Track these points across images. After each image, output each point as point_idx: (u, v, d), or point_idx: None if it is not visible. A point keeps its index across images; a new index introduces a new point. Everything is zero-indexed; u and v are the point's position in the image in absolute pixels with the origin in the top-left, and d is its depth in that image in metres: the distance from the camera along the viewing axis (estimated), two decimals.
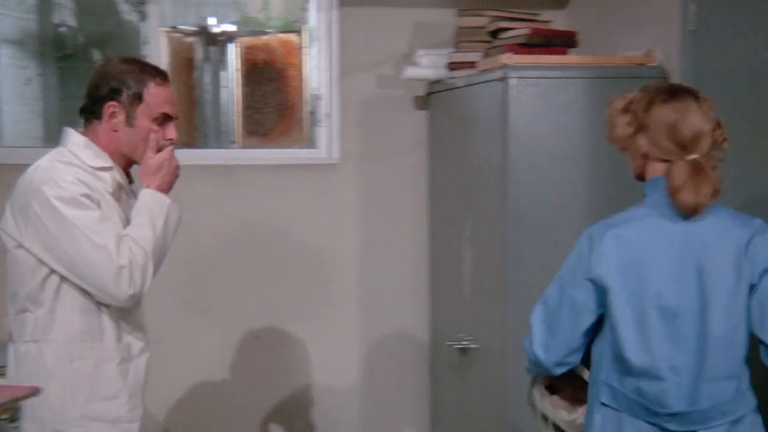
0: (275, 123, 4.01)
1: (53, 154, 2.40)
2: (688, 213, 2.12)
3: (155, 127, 2.39)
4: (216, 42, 3.94)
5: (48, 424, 2.32)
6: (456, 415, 3.63)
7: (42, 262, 2.31)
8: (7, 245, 2.37)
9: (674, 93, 2.19)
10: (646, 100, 2.19)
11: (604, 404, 2.19)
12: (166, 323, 3.61)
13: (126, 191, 2.46)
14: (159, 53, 3.72)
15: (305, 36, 3.90)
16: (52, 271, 2.32)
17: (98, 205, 2.32)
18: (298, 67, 3.94)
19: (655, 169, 2.19)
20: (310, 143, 3.92)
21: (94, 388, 2.35)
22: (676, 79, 3.08)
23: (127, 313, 2.39)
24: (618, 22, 3.44)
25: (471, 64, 3.44)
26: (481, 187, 3.32)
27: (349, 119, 3.82)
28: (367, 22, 3.78)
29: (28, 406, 2.33)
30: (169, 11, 3.95)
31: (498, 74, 3.12)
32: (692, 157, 2.13)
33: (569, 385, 2.34)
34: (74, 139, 2.40)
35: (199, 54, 3.93)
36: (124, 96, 2.36)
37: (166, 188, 2.42)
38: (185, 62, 3.85)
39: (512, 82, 3.07)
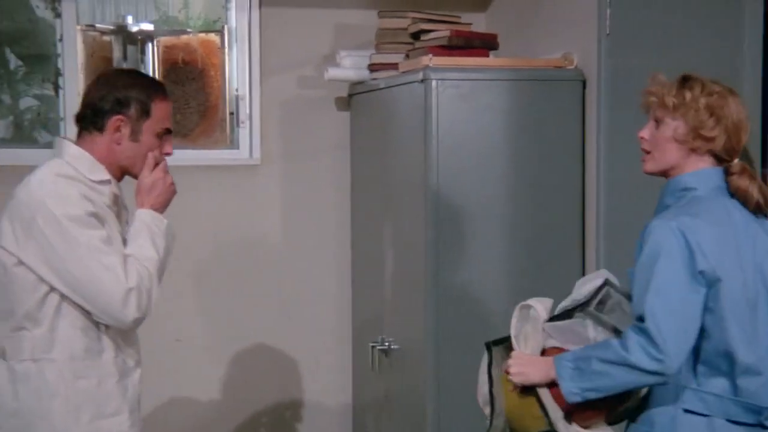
0: (196, 123, 3.97)
1: (52, 166, 2.31)
2: (756, 209, 2.11)
3: (157, 142, 2.36)
4: (134, 41, 3.88)
5: None
6: (378, 415, 3.64)
7: (42, 280, 2.24)
8: (5, 262, 2.27)
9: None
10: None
11: (689, 411, 2.07)
12: None
13: (121, 204, 2.41)
14: (74, 51, 3.65)
15: (226, 36, 3.87)
16: (52, 289, 2.24)
17: (103, 223, 2.26)
18: (219, 67, 3.90)
19: (701, 162, 2.12)
20: (232, 144, 3.89)
21: (98, 405, 2.30)
22: (592, 82, 3.14)
23: (122, 329, 2.33)
24: (537, 26, 3.50)
25: (393, 66, 3.45)
26: (403, 188, 3.34)
27: (271, 120, 3.80)
28: (288, 23, 3.77)
29: (26, 424, 2.28)
30: (86, 9, 3.88)
31: (419, 76, 3.14)
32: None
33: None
34: (71, 150, 2.33)
35: (116, 53, 3.87)
36: (132, 110, 2.32)
37: (161, 207, 2.39)
38: (102, 61, 3.78)
39: (433, 83, 3.09)
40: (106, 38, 3.85)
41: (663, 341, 1.96)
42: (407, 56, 3.45)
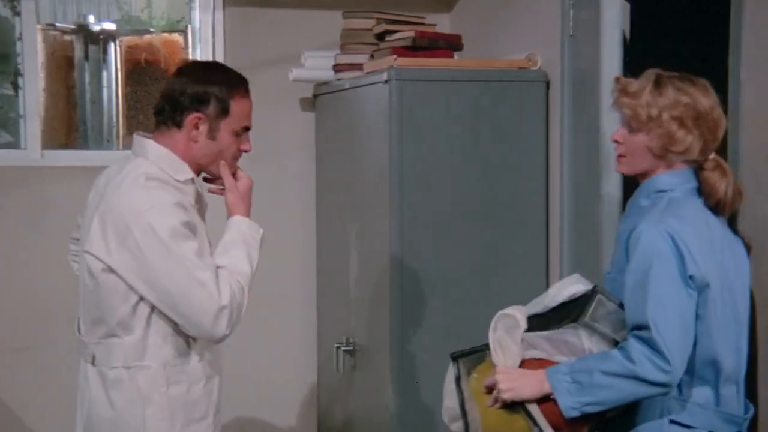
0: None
1: (140, 168, 2.23)
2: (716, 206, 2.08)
3: (235, 140, 2.29)
4: (96, 41, 3.84)
5: None
6: (343, 415, 3.63)
7: (132, 289, 2.19)
8: (92, 268, 2.22)
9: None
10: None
11: (674, 422, 2.02)
12: (45, 328, 3.51)
13: (203, 201, 2.36)
14: (34, 51, 3.61)
15: (190, 36, 3.84)
16: (143, 298, 2.20)
17: (195, 231, 2.20)
18: None
19: (676, 164, 2.09)
20: None
21: (188, 411, 2.28)
22: (555, 83, 3.16)
23: None
24: (501, 27, 3.51)
25: (357, 67, 3.44)
26: (368, 189, 3.33)
27: None
28: (252, 23, 3.75)
29: (114, 427, 2.26)
30: (46, 7, 3.84)
31: (384, 77, 3.14)
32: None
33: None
34: (155, 150, 2.26)
35: (78, 53, 3.83)
36: (211, 108, 2.24)
37: (249, 213, 2.34)
38: (63, 60, 3.74)
39: (398, 84, 3.09)
40: (67, 37, 3.82)
41: (669, 351, 1.89)
42: (372, 57, 3.45)
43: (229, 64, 3.71)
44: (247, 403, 3.83)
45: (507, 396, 2.00)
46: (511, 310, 2.09)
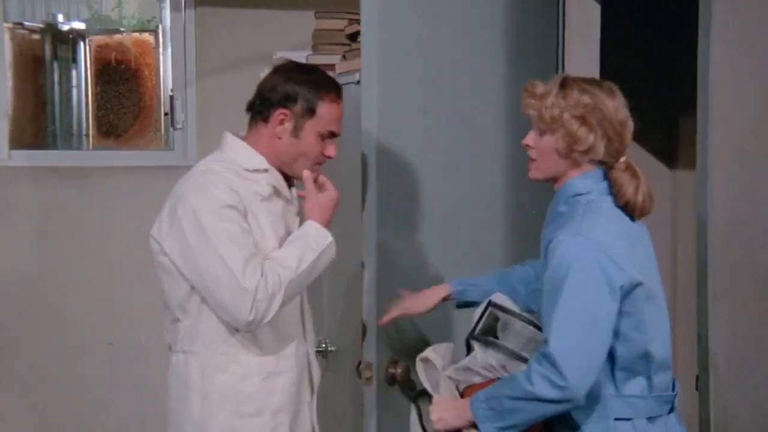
0: (130, 124, 3.91)
1: (207, 158, 2.34)
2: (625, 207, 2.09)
3: (319, 143, 2.33)
4: (65, 40, 3.81)
5: None
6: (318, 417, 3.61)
7: (180, 271, 2.24)
8: (153, 252, 2.29)
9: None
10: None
11: (619, 419, 2.04)
12: (10, 328, 3.51)
13: (285, 197, 2.36)
14: (1, 50, 3.57)
15: (161, 36, 3.82)
16: None
17: (244, 216, 2.22)
18: (154, 67, 3.85)
19: (587, 166, 2.10)
20: (167, 145, 3.84)
21: (237, 403, 2.24)
22: None
23: (273, 326, 2.25)
24: None
25: (329, 67, 3.42)
26: (341, 189, 3.32)
27: (207, 121, 3.76)
28: (224, 23, 3.74)
29: (174, 417, 2.30)
30: (14, 6, 3.80)
31: (356, 77, 3.12)
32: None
33: None
34: (232, 143, 2.34)
35: (47, 52, 3.80)
36: (298, 106, 2.30)
37: (328, 224, 2.36)
38: (32, 60, 3.71)
39: None
40: (35, 36, 3.78)
41: (566, 367, 1.91)
42: (344, 57, 3.44)
43: (200, 64, 3.75)
44: None
45: (438, 426, 2.09)
46: (428, 353, 2.23)
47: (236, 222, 2.20)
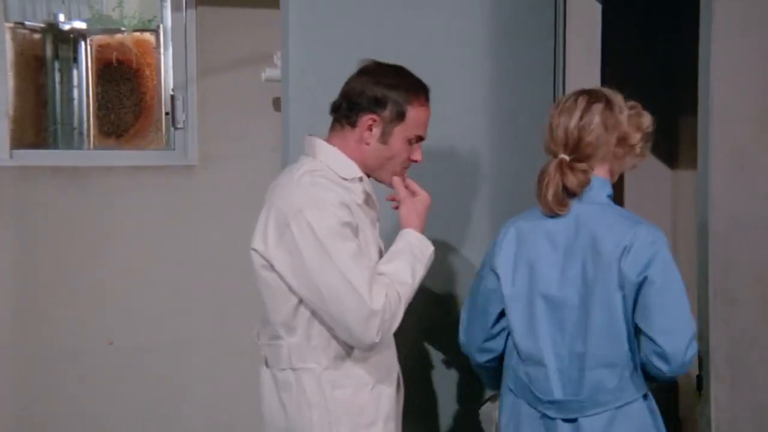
0: (130, 124, 3.91)
1: (307, 166, 2.22)
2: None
3: (407, 148, 2.26)
4: (66, 39, 3.81)
5: None
6: None
7: (290, 288, 2.16)
8: (255, 265, 2.21)
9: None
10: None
11: (509, 389, 2.32)
12: (10, 328, 3.51)
13: (372, 202, 2.30)
14: (2, 49, 3.57)
15: (161, 35, 3.82)
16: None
17: (356, 233, 2.16)
18: (155, 67, 3.85)
19: None
20: (168, 145, 3.84)
21: (354, 416, 2.21)
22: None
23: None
24: None
25: None
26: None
27: (208, 120, 3.76)
28: (225, 23, 3.74)
29: (286, 430, 2.23)
30: (15, 6, 3.80)
31: None
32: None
33: None
34: (324, 149, 2.25)
35: (48, 52, 3.80)
36: (387, 112, 2.22)
37: (422, 228, 2.30)
38: (33, 59, 3.71)
39: None
40: (36, 36, 3.78)
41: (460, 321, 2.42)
42: None
43: (200, 64, 3.75)
44: (217, 404, 3.81)
45: None
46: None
47: (354, 240, 2.14)
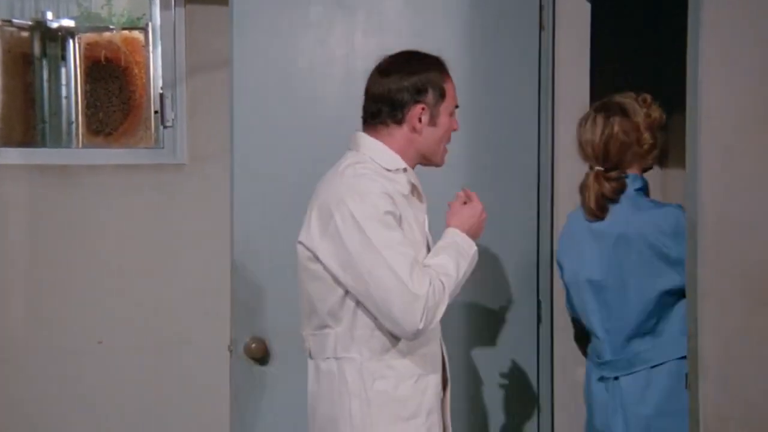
0: (119, 122, 3.90)
1: (350, 159, 2.29)
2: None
3: (449, 121, 2.34)
4: (54, 37, 3.80)
5: None
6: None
7: (335, 278, 2.21)
8: (301, 258, 2.27)
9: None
10: None
11: (588, 357, 2.86)
12: (6, 333, 3.48)
13: (418, 193, 2.36)
14: None
15: (150, 34, 3.80)
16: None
17: (399, 223, 2.21)
18: (143, 65, 3.84)
19: None
20: (157, 143, 3.83)
21: (396, 408, 2.24)
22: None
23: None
24: None
25: None
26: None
27: (197, 119, 3.75)
28: (214, 20, 3.72)
29: (331, 424, 2.27)
30: (2, 3, 3.78)
31: None
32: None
33: None
34: (368, 142, 2.31)
35: (35, 50, 3.78)
36: (430, 96, 2.29)
37: (473, 236, 2.36)
38: (21, 57, 3.69)
39: None
40: (24, 34, 3.77)
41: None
42: None
43: (190, 62, 3.73)
44: (208, 402, 3.80)
45: None
46: None
47: (397, 228, 2.19)
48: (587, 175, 2.74)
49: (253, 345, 2.85)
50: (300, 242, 2.26)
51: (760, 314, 2.32)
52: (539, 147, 3.08)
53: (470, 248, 2.32)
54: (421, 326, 2.15)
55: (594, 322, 2.75)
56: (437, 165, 2.39)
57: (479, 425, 3.09)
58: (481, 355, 3.09)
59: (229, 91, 2.91)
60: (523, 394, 3.13)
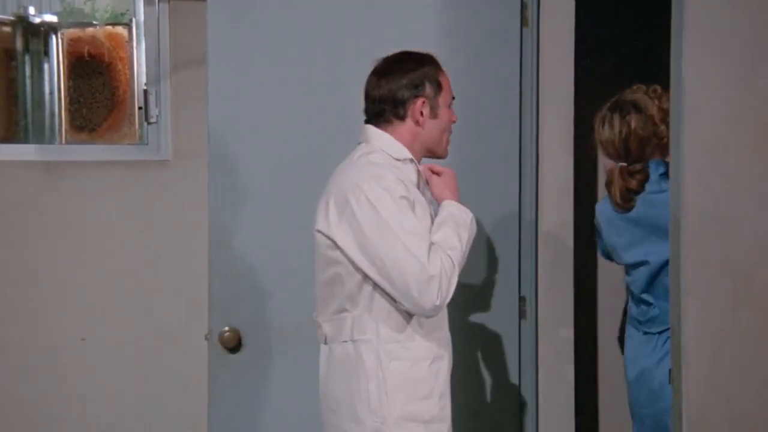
0: (103, 118, 3.88)
1: (363, 150, 2.40)
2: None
3: (449, 112, 2.44)
4: (37, 33, 3.77)
5: (369, 424, 2.31)
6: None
7: (353, 262, 2.29)
8: (320, 246, 2.35)
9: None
10: None
11: (628, 321, 3.06)
12: None
13: (425, 183, 2.46)
14: None
15: (134, 29, 3.78)
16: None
17: (413, 207, 2.30)
18: (127, 61, 3.82)
19: None
20: (141, 140, 3.81)
21: (411, 388, 2.32)
22: None
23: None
24: None
25: None
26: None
27: (182, 115, 3.73)
28: (199, 16, 3.67)
29: (347, 404, 2.34)
30: None
31: None
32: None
33: None
34: (377, 134, 2.40)
35: (18, 45, 3.76)
36: (427, 89, 2.40)
37: (458, 199, 2.44)
38: (3, 53, 3.66)
39: None
40: (6, 29, 3.74)
41: None
42: None
43: (174, 58, 3.71)
44: (191, 401, 3.79)
45: None
46: None
47: (411, 211, 2.28)
48: (611, 171, 2.88)
49: (227, 334, 2.94)
50: (318, 230, 2.35)
51: (743, 310, 2.33)
52: (520, 143, 3.08)
53: (467, 216, 2.40)
54: (438, 302, 2.24)
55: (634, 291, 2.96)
56: (441, 157, 2.48)
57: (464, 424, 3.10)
58: (462, 351, 3.09)
59: (204, 86, 2.93)
60: (504, 393, 3.14)
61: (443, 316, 2.43)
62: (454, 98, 2.47)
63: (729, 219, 2.34)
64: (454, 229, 2.34)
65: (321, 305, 2.42)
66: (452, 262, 2.28)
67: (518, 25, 3.05)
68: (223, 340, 2.94)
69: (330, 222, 2.31)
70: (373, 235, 2.24)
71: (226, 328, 2.95)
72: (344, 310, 2.35)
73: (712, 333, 2.34)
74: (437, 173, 2.48)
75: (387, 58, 2.44)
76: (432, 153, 2.47)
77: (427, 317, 2.32)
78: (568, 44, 3.09)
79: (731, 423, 2.33)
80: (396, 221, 2.24)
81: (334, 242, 2.31)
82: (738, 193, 2.33)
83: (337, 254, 2.32)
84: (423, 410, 2.33)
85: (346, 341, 2.36)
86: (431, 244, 2.27)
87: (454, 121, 2.48)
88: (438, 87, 2.41)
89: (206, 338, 2.96)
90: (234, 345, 2.95)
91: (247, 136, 2.98)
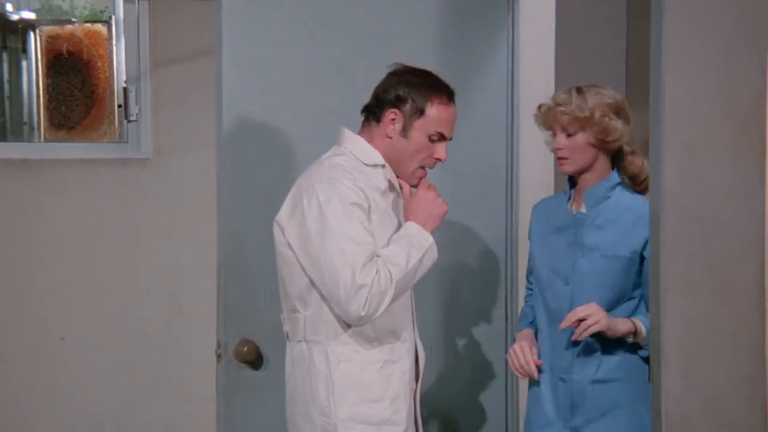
0: (82, 116, 3.85)
1: (331, 152, 2.43)
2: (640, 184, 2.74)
3: (428, 144, 2.41)
4: (15, 30, 3.74)
5: (319, 424, 2.34)
6: None
7: (299, 261, 2.31)
8: (276, 242, 2.38)
9: None
10: None
11: None
12: None
13: (397, 192, 2.45)
14: None
15: (114, 27, 3.76)
16: None
17: (369, 215, 2.31)
18: (106, 58, 3.79)
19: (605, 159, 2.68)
20: (120, 138, 3.78)
21: (360, 390, 2.34)
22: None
23: (389, 316, 2.32)
24: None
25: None
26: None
27: (162, 113, 3.71)
28: (178, 14, 3.69)
29: (301, 404, 2.37)
30: None
31: None
32: None
33: None
34: (349, 137, 2.43)
35: None
36: (408, 106, 2.39)
37: (431, 227, 2.40)
38: None
39: None
40: None
41: None
42: None
43: (154, 56, 3.69)
44: (172, 399, 3.78)
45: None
46: None
47: (359, 220, 2.27)
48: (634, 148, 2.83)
49: (245, 348, 2.79)
50: (276, 221, 2.37)
51: (723, 307, 2.33)
52: (508, 145, 3.09)
53: (425, 240, 2.37)
54: (363, 313, 2.23)
55: None
56: (408, 182, 2.45)
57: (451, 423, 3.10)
58: (450, 354, 3.09)
59: (216, 86, 2.84)
60: (491, 396, 3.14)
61: (407, 322, 2.43)
62: (446, 138, 2.43)
63: (709, 216, 2.34)
64: (405, 248, 2.31)
65: (282, 302, 2.45)
66: (390, 277, 2.25)
67: (504, 27, 3.06)
68: (239, 355, 2.78)
69: (284, 217, 2.34)
70: (315, 235, 2.26)
71: (240, 341, 2.78)
72: (296, 310, 2.38)
73: (693, 330, 2.34)
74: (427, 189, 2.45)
75: (409, 66, 2.46)
76: (399, 174, 2.44)
77: (355, 326, 2.32)
78: (548, 44, 3.09)
79: (711, 421, 2.34)
80: (339, 226, 2.24)
81: (288, 241, 2.33)
82: (718, 189, 2.34)
83: (289, 253, 2.34)
84: (373, 413, 2.34)
85: (300, 341, 2.38)
86: (375, 255, 2.26)
87: (438, 159, 2.43)
88: (419, 111, 2.39)
89: (217, 353, 2.82)
90: (253, 359, 2.79)
91: (258, 138, 2.85)
